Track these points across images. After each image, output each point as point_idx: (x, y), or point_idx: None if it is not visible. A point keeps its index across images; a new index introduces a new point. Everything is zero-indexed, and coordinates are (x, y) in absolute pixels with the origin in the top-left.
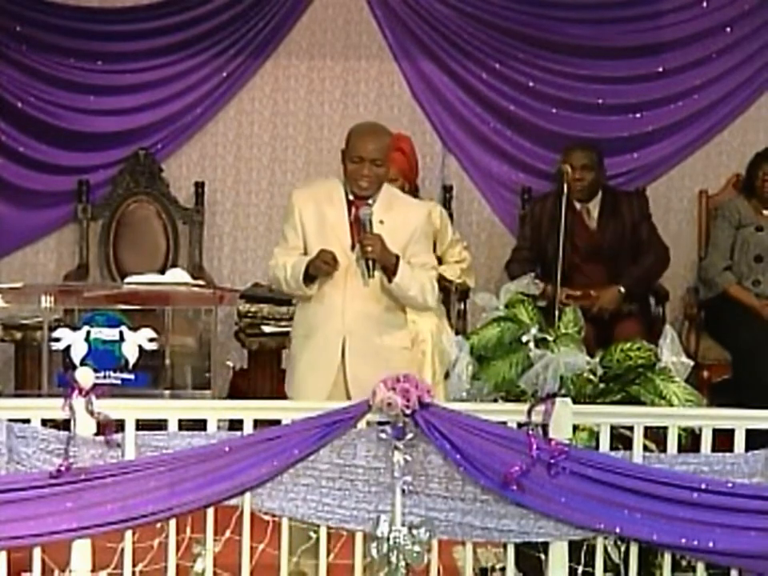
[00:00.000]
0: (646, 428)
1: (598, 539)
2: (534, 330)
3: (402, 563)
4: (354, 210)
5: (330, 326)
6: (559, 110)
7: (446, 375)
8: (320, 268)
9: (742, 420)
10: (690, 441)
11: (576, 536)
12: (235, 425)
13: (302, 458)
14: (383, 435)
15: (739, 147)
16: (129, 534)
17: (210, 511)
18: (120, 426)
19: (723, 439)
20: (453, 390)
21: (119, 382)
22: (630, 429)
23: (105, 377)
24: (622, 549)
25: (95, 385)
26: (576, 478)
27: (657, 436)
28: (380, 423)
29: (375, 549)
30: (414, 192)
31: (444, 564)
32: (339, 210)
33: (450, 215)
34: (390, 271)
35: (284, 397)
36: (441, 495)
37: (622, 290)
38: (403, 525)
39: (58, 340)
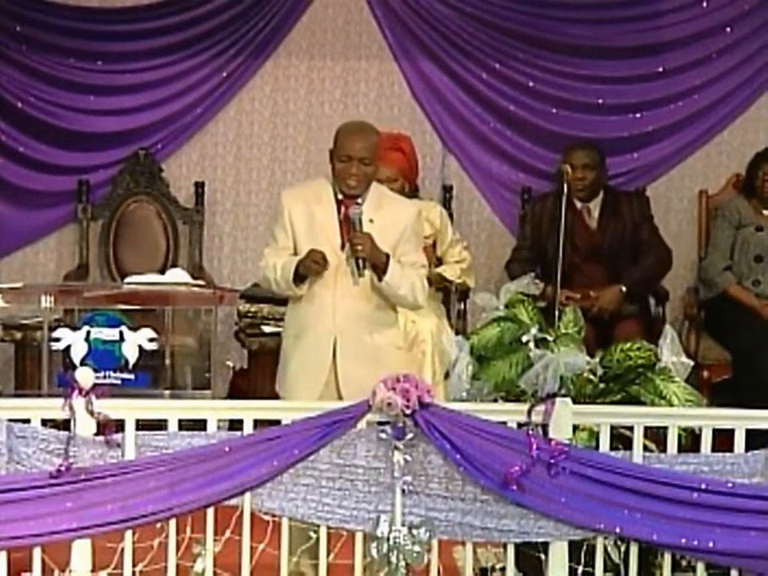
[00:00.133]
0: (646, 428)
1: (597, 539)
2: (533, 330)
3: (402, 563)
4: (343, 209)
5: (321, 326)
6: (559, 110)
7: (446, 375)
8: (310, 268)
9: (741, 420)
10: (689, 441)
11: (576, 536)
12: (235, 425)
13: (302, 458)
14: (383, 435)
15: (739, 147)
16: (129, 534)
17: (210, 511)
18: (120, 426)
19: (723, 439)
20: (453, 389)
21: (119, 381)
22: (630, 429)
23: (105, 377)
24: (622, 549)
25: (95, 385)
26: (576, 478)
27: (657, 436)
28: (380, 423)
29: (375, 549)
30: (414, 192)
31: (444, 564)
32: (328, 209)
33: (450, 215)
34: (380, 270)
35: None
36: (441, 495)
37: (624, 289)
38: (403, 525)
39: (58, 340)
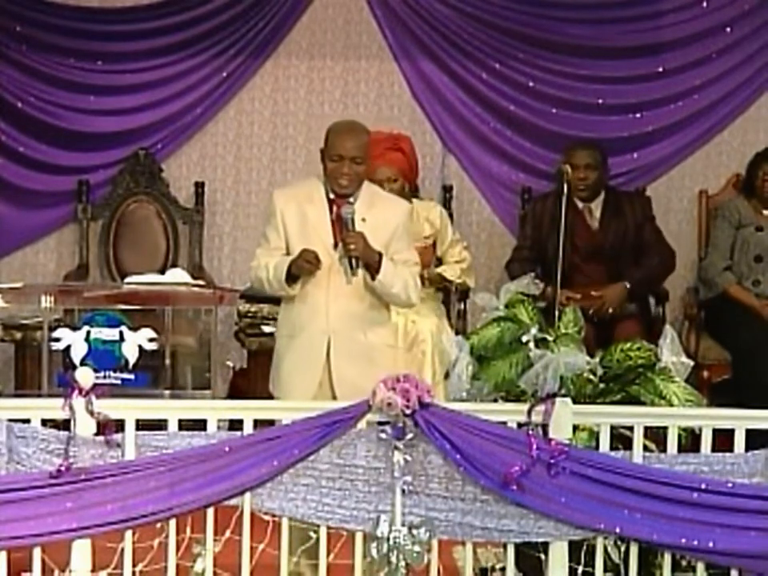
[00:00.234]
0: (646, 428)
1: (597, 539)
2: (534, 330)
3: (402, 563)
4: (335, 208)
5: (315, 326)
6: (559, 110)
7: (446, 375)
8: (302, 267)
9: (741, 420)
10: (689, 441)
11: (576, 536)
12: (235, 425)
13: (302, 458)
14: (383, 435)
15: (739, 147)
16: (129, 534)
17: (210, 511)
18: (120, 426)
19: (723, 439)
20: (453, 389)
21: (119, 381)
22: (630, 429)
23: (105, 377)
24: (622, 549)
25: (95, 385)
26: (576, 478)
27: (657, 436)
28: (380, 423)
29: (375, 549)
30: (414, 192)
31: (444, 564)
32: (320, 209)
33: (450, 215)
34: (373, 269)
35: None
36: (441, 495)
37: (628, 285)
38: (403, 525)
39: (58, 340)
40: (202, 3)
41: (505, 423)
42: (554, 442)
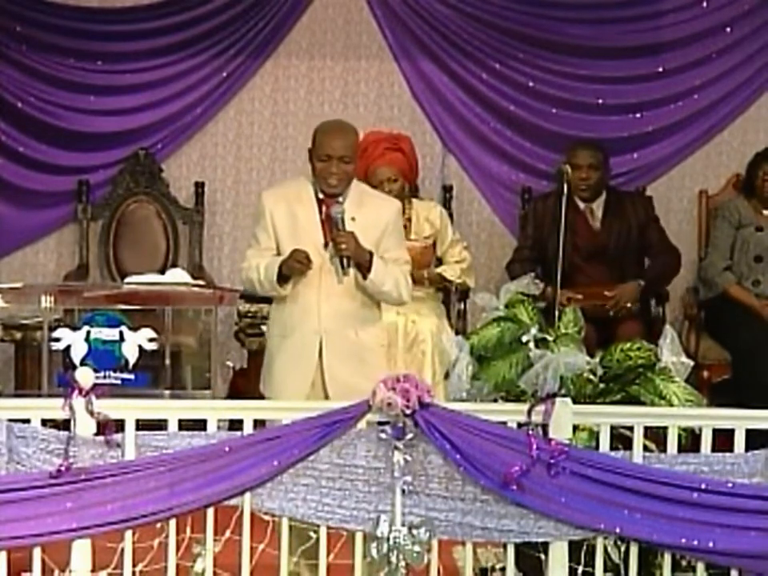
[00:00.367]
0: (646, 428)
1: (597, 539)
2: (534, 330)
3: (402, 563)
4: (324, 208)
5: (307, 326)
6: (559, 110)
7: (446, 375)
8: (293, 268)
9: (741, 420)
10: (690, 441)
11: (576, 536)
12: (235, 425)
13: (302, 458)
14: (383, 435)
15: (739, 147)
16: (129, 534)
17: (210, 511)
18: (120, 426)
19: (723, 439)
20: (453, 389)
21: (119, 381)
22: (630, 429)
23: (105, 377)
24: (622, 549)
25: (95, 385)
26: (576, 478)
27: (657, 436)
28: (380, 423)
29: (375, 549)
30: (414, 192)
31: (444, 564)
32: (309, 208)
33: (450, 215)
34: (365, 268)
35: None
36: (441, 495)
37: (642, 283)
38: (403, 525)
39: (58, 340)
40: (201, 3)
41: (505, 423)
42: (554, 442)
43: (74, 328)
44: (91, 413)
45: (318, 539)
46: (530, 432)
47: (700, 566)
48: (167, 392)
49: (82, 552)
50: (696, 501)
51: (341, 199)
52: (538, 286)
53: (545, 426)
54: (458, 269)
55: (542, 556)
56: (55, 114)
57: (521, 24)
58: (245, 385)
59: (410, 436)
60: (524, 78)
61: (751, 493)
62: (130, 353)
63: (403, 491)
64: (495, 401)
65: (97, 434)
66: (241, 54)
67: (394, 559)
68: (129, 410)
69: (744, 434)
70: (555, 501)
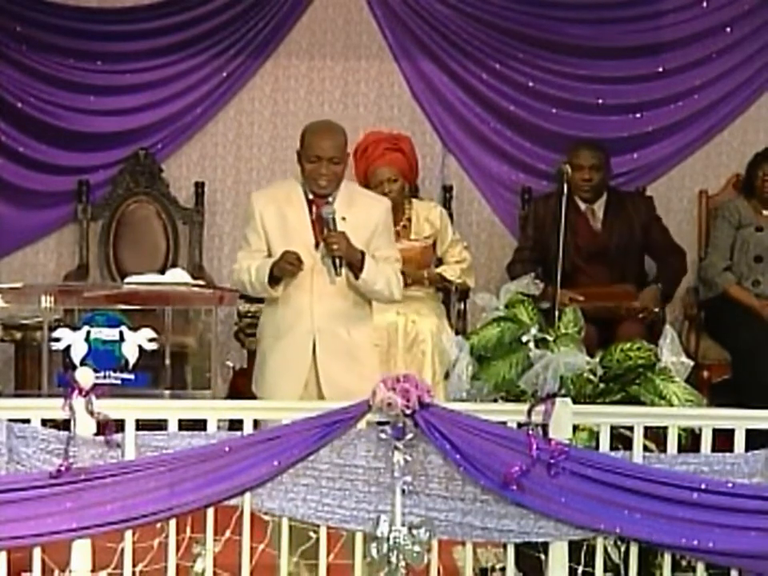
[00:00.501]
0: (646, 428)
1: (597, 539)
2: (533, 330)
3: (402, 563)
4: (314, 208)
5: (300, 327)
6: (559, 110)
7: (446, 375)
8: (285, 269)
9: (741, 420)
10: (690, 441)
11: (576, 536)
12: (235, 425)
13: (302, 458)
14: (383, 435)
15: (739, 147)
16: (129, 534)
17: (210, 511)
18: (120, 426)
19: (723, 439)
20: (453, 389)
21: (119, 382)
22: (630, 429)
23: (105, 377)
24: (622, 549)
25: (95, 385)
26: (576, 478)
27: (657, 436)
28: (380, 423)
29: (375, 549)
30: (414, 192)
31: (444, 564)
32: (300, 209)
33: (450, 215)
34: (357, 267)
35: None
36: (441, 495)
37: (660, 286)
38: (403, 525)
39: (58, 340)
40: (202, 3)
41: (505, 423)
42: (554, 442)
43: (74, 328)
44: (91, 413)
45: (317, 539)
46: (530, 432)
47: (700, 566)
48: (167, 392)
49: (82, 552)
50: (696, 501)
51: (330, 199)
52: (537, 286)
53: (545, 426)
54: (458, 269)
55: (542, 556)
56: (55, 114)
57: (521, 24)
58: (245, 385)
59: (409, 436)
60: (524, 78)
61: (751, 493)
62: (130, 353)
63: (403, 491)
64: (495, 401)
65: (97, 434)
66: (241, 54)
67: (393, 559)
68: (129, 409)
69: (744, 434)
70: (555, 501)
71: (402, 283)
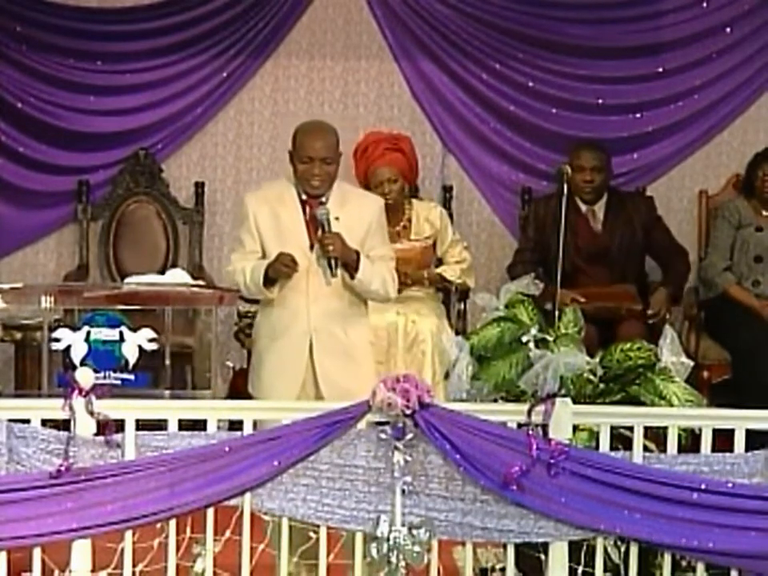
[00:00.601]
0: (646, 428)
1: (597, 539)
2: (533, 330)
3: (402, 563)
4: (308, 209)
5: (296, 327)
6: (559, 110)
7: (446, 375)
8: (280, 271)
9: (742, 420)
10: (690, 441)
11: (576, 536)
12: (235, 425)
13: (302, 458)
14: (383, 435)
15: (739, 147)
16: (129, 534)
17: (210, 511)
18: (120, 426)
19: (723, 439)
20: (453, 389)
21: (119, 382)
22: (630, 429)
23: (105, 377)
24: (622, 549)
25: (95, 385)
26: (576, 478)
27: (657, 436)
28: (380, 423)
29: (375, 549)
30: (414, 192)
31: (444, 564)
32: (293, 210)
33: (450, 215)
34: (352, 268)
35: None
36: (441, 495)
37: (669, 290)
38: (403, 525)
39: (58, 340)
40: (202, 3)
41: (505, 423)
42: (554, 442)
43: (74, 328)
44: (91, 413)
45: (317, 539)
46: (530, 432)
47: (700, 566)
48: (167, 392)
49: (82, 552)
50: (696, 501)
51: (324, 199)
52: (537, 286)
53: (545, 426)
54: (458, 269)
55: (542, 556)
56: (55, 114)
57: (521, 24)
58: (245, 385)
59: (409, 436)
60: (524, 78)
61: (751, 493)
62: (130, 353)
63: (403, 491)
64: (495, 401)
65: (97, 434)
66: (241, 54)
67: (393, 559)
68: (129, 410)
69: (744, 434)
70: (555, 501)
71: (396, 281)
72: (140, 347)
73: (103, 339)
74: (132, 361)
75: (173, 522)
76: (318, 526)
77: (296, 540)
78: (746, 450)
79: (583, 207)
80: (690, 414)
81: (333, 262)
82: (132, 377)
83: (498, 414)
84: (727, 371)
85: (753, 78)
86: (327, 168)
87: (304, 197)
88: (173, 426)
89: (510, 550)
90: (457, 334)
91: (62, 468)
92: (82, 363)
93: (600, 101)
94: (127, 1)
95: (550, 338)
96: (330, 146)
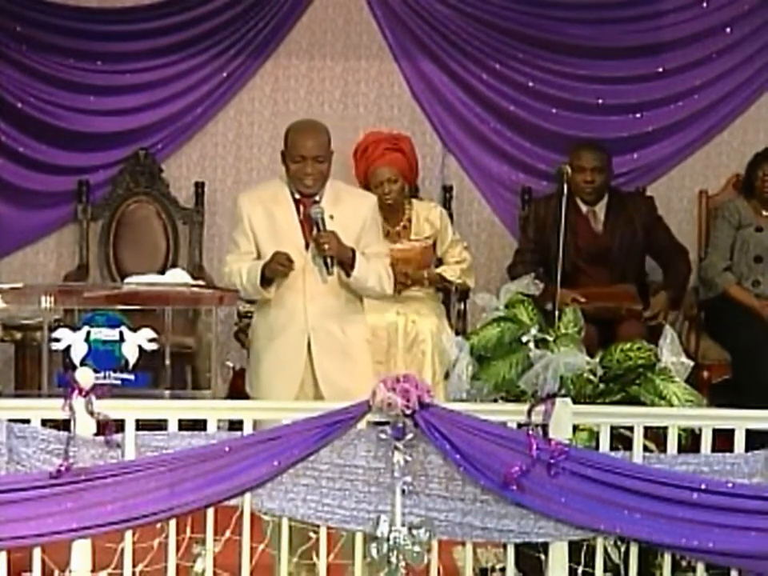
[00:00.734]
0: (646, 428)
1: (597, 539)
2: (533, 330)
3: (402, 563)
4: (302, 208)
5: (294, 327)
6: (559, 110)
7: (446, 375)
8: (276, 270)
9: (742, 420)
10: (690, 441)
11: (576, 536)
12: (235, 425)
13: (302, 458)
14: (383, 435)
15: (739, 147)
16: (129, 534)
17: (210, 511)
18: (120, 426)
19: (723, 439)
20: (453, 389)
21: (119, 382)
22: (630, 429)
23: (105, 377)
24: (622, 549)
25: (95, 385)
26: (576, 478)
27: (657, 436)
28: (380, 423)
29: (375, 549)
30: (414, 192)
31: (444, 564)
32: (287, 210)
33: (450, 215)
34: (348, 266)
35: None
36: (441, 495)
37: (670, 293)
38: (403, 525)
39: (58, 340)
40: (202, 3)
41: (505, 423)
42: (554, 442)
43: (74, 328)
44: (91, 413)
45: (316, 539)
46: (530, 432)
47: (700, 566)
48: (167, 392)
49: (82, 552)
50: (696, 501)
51: (317, 198)
52: (538, 286)
53: (545, 426)
54: (458, 269)
55: (542, 556)
56: (55, 114)
57: (521, 24)
58: (245, 385)
59: (410, 436)
60: (524, 78)
61: (751, 493)
62: (130, 353)
63: (403, 491)
64: (495, 401)
65: (97, 434)
66: (241, 54)
67: (393, 559)
68: (129, 410)
69: (744, 434)
70: (555, 501)
71: (392, 277)
72: (140, 347)
73: (103, 339)
74: (132, 361)
75: (173, 522)
76: (318, 526)
77: (296, 540)
78: (746, 450)
79: (584, 208)
80: (690, 413)
81: (329, 260)
82: (132, 377)
83: (498, 413)
84: (727, 371)
85: (753, 78)
86: (320, 166)
87: (297, 196)
88: (173, 426)
89: (510, 550)
90: (457, 334)
91: (62, 468)
92: (82, 363)
93: (600, 101)
94: (127, 1)
95: (550, 338)
96: (321, 145)
